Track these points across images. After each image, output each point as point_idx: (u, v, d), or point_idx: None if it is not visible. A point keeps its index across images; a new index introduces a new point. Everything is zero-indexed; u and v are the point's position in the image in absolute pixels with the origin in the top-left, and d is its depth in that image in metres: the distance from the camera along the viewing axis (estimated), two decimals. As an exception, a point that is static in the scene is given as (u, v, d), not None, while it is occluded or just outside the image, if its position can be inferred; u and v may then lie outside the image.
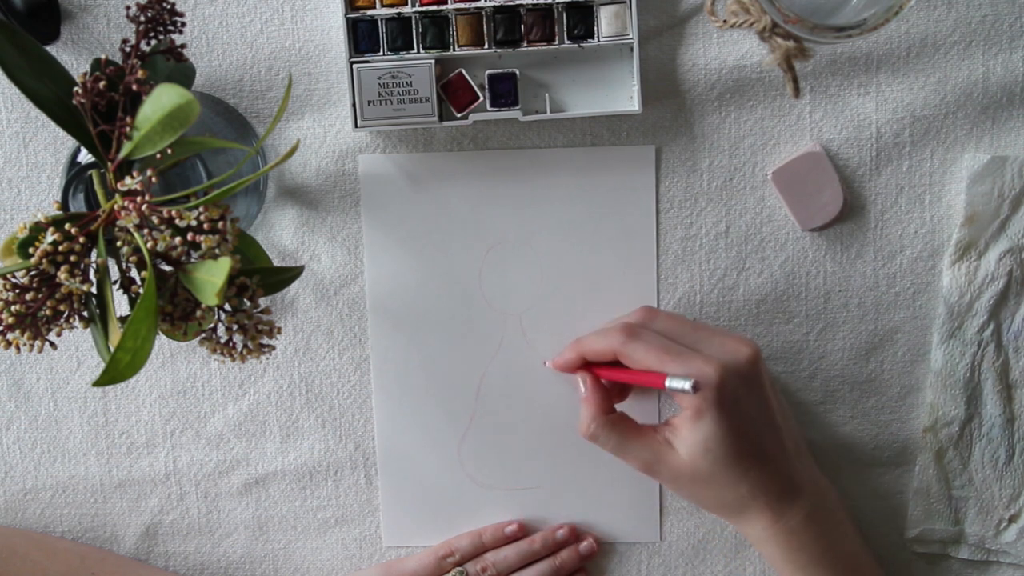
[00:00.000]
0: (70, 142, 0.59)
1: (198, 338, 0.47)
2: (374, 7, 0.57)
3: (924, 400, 0.62)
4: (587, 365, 0.57)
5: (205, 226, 0.43)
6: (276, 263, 0.61)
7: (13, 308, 0.44)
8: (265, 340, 0.47)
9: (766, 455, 0.53)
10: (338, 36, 0.59)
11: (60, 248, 0.44)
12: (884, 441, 0.62)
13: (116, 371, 0.43)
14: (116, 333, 0.45)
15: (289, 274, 0.51)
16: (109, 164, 0.46)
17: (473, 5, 0.57)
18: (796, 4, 0.48)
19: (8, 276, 0.45)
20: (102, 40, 0.60)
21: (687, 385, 0.49)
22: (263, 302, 0.47)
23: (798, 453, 0.56)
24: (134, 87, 0.46)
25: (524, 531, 0.63)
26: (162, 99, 0.43)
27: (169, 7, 0.47)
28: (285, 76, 0.60)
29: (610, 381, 0.57)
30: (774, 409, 0.54)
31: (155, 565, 0.64)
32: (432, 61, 0.57)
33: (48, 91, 0.47)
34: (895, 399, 0.62)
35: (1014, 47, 0.59)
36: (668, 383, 0.50)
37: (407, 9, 0.57)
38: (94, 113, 0.46)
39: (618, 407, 0.57)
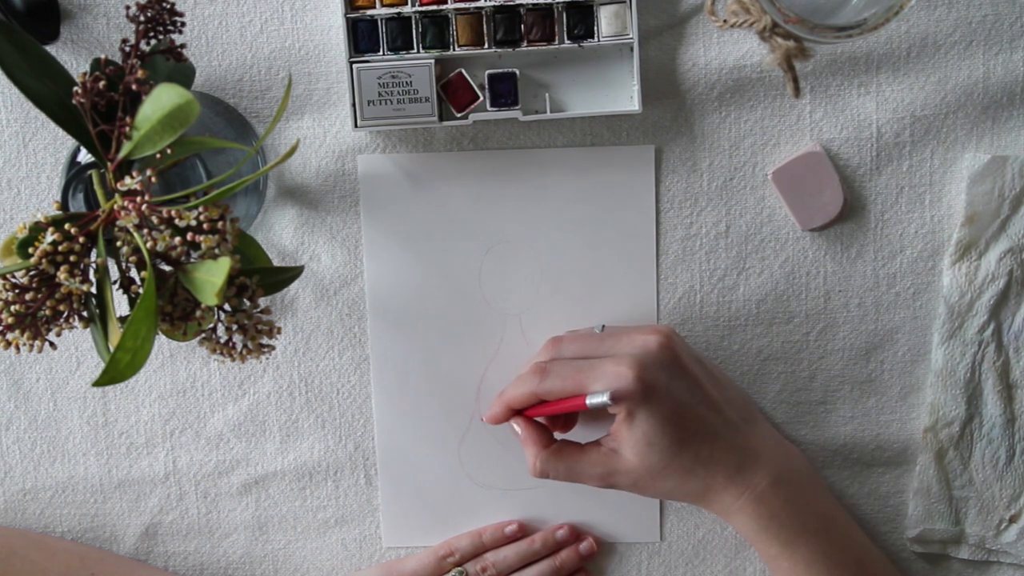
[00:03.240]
0: (70, 142, 0.59)
1: (198, 338, 0.47)
2: (374, 7, 0.57)
3: (924, 400, 0.62)
4: (520, 412, 0.57)
5: (205, 226, 0.43)
6: (276, 263, 0.61)
7: (13, 308, 0.44)
8: (265, 340, 0.47)
9: (710, 432, 0.53)
10: (338, 36, 0.59)
11: (60, 248, 0.44)
12: (884, 441, 0.62)
13: (116, 371, 0.43)
14: (116, 333, 0.45)
15: (289, 274, 0.51)
16: (109, 164, 0.46)
17: (473, 5, 0.57)
18: (796, 4, 0.48)
19: (8, 276, 0.45)
20: (102, 40, 0.60)
21: (605, 398, 0.50)
22: (263, 302, 0.47)
23: (748, 420, 0.56)
24: (134, 87, 0.46)
25: (524, 531, 0.63)
26: (162, 99, 0.43)
27: (169, 7, 0.47)
28: (285, 76, 0.60)
29: (547, 417, 0.57)
30: (705, 385, 0.54)
31: (155, 565, 0.64)
32: (432, 61, 0.57)
33: (48, 91, 0.47)
34: (895, 399, 0.62)
35: (1014, 47, 0.59)
36: (588, 402, 0.51)
37: (407, 9, 0.57)
38: (94, 113, 0.46)
39: (569, 435, 0.58)
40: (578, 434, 0.58)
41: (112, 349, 0.43)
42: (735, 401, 0.56)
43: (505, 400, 0.57)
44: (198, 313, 0.46)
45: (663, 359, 0.53)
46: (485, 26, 0.57)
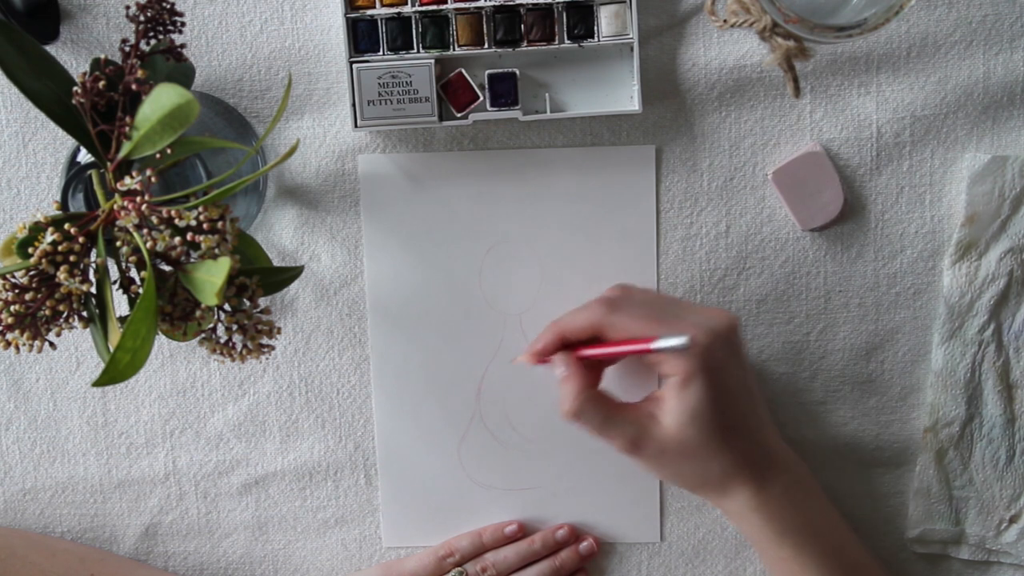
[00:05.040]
0: (69, 142, 0.59)
1: (198, 338, 0.47)
2: (374, 7, 0.57)
3: (925, 400, 0.62)
4: (564, 349, 0.55)
5: (205, 226, 0.43)
6: (276, 263, 0.61)
7: (13, 308, 0.44)
8: (265, 340, 0.47)
9: (748, 425, 0.53)
10: (338, 36, 0.59)
11: (60, 248, 0.44)
12: (885, 441, 0.62)
13: (116, 371, 0.43)
14: (116, 333, 0.45)
15: (289, 274, 0.51)
16: (108, 164, 0.46)
17: (473, 5, 0.57)
18: (796, 4, 0.48)
19: (8, 276, 0.45)
20: (101, 40, 0.60)
21: (681, 340, 0.48)
22: (263, 302, 0.47)
23: (773, 427, 0.56)
24: (134, 87, 0.46)
25: (524, 531, 0.63)
26: (161, 99, 0.43)
27: (169, 7, 0.47)
28: (285, 76, 0.60)
29: (589, 361, 0.55)
30: (753, 379, 0.54)
31: (155, 565, 0.64)
32: (432, 61, 0.57)
33: (48, 91, 0.47)
34: (896, 399, 0.62)
35: (1015, 47, 0.59)
36: (660, 344, 0.49)
37: (407, 9, 0.57)
38: (93, 113, 0.46)
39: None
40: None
41: (112, 349, 0.43)
42: (765, 405, 0.56)
43: (559, 328, 0.54)
44: (198, 313, 0.46)
45: (731, 340, 0.52)
46: (485, 26, 0.57)
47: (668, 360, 0.51)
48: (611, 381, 0.56)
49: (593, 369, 0.55)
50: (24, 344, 0.45)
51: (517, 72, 0.58)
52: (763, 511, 0.53)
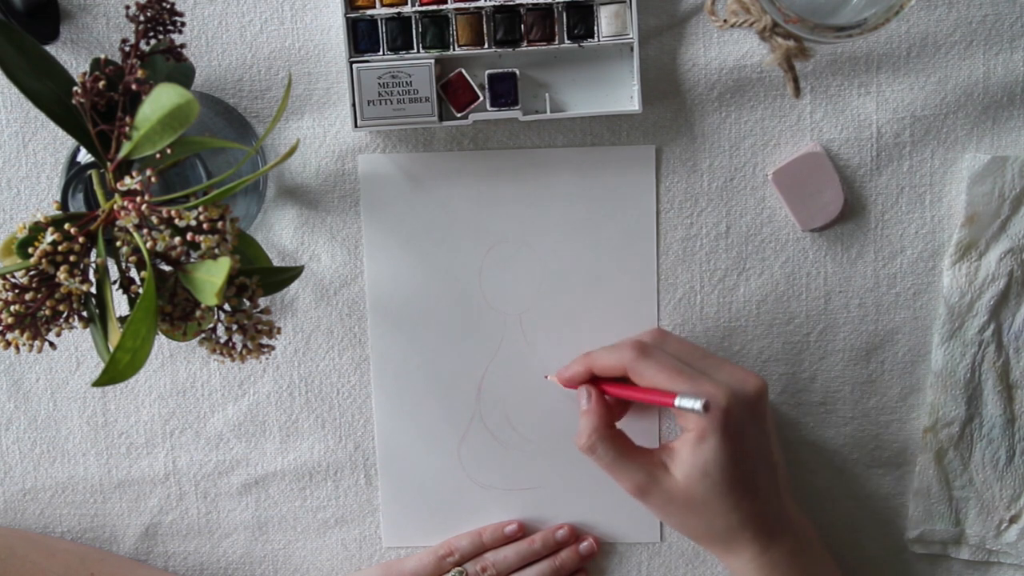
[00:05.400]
0: (69, 142, 0.59)
1: (198, 338, 0.47)
2: (374, 7, 0.57)
3: (924, 400, 0.62)
4: (592, 380, 0.57)
5: (205, 226, 0.43)
6: (276, 263, 0.61)
7: (13, 308, 0.44)
8: (265, 340, 0.47)
9: (760, 488, 0.53)
10: (338, 36, 0.59)
11: (60, 248, 0.44)
12: (884, 442, 0.62)
13: (116, 371, 0.43)
14: (116, 333, 0.45)
15: (289, 274, 0.51)
16: (108, 164, 0.46)
17: (473, 5, 0.57)
18: (796, 4, 0.48)
19: (8, 276, 0.45)
20: (101, 40, 0.60)
21: (698, 404, 0.49)
22: (263, 302, 0.47)
23: (786, 489, 0.56)
24: (133, 87, 0.46)
25: (524, 531, 0.63)
26: (161, 99, 0.43)
27: (169, 7, 0.47)
28: (285, 76, 0.60)
29: (612, 399, 0.57)
30: (773, 444, 0.55)
31: (155, 565, 0.64)
32: (432, 61, 0.57)
33: (48, 91, 0.47)
34: (895, 400, 0.62)
35: (1015, 47, 0.59)
36: (678, 402, 0.50)
37: (407, 9, 0.57)
38: (93, 113, 0.46)
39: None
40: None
41: (112, 349, 0.43)
42: (784, 470, 0.56)
43: (590, 362, 0.56)
44: (198, 313, 0.46)
45: (754, 403, 0.53)
46: (485, 26, 0.57)
47: (686, 414, 0.52)
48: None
49: (617, 405, 0.57)
50: (24, 344, 0.45)
51: (517, 72, 0.58)
52: (765, 573, 0.54)
